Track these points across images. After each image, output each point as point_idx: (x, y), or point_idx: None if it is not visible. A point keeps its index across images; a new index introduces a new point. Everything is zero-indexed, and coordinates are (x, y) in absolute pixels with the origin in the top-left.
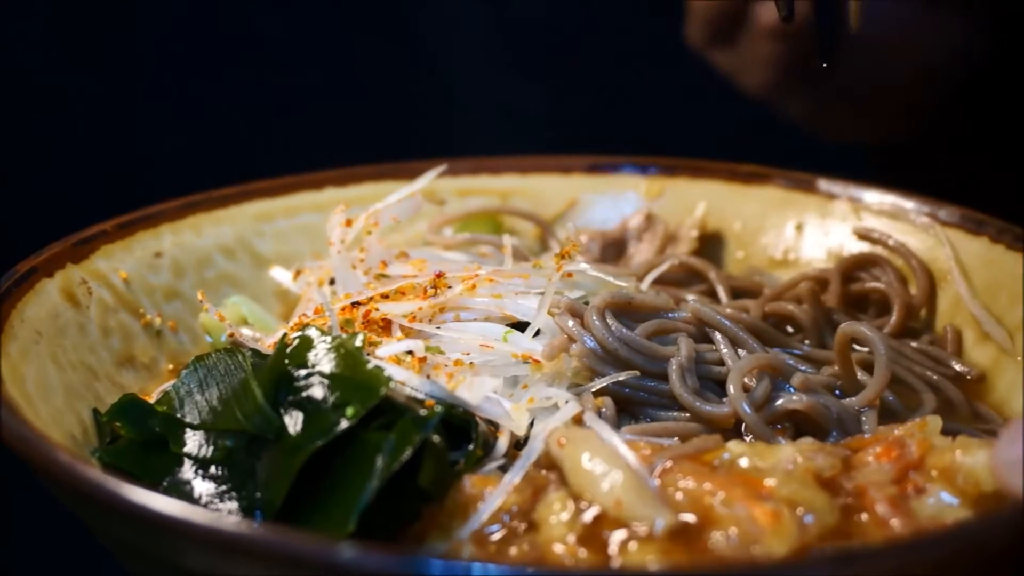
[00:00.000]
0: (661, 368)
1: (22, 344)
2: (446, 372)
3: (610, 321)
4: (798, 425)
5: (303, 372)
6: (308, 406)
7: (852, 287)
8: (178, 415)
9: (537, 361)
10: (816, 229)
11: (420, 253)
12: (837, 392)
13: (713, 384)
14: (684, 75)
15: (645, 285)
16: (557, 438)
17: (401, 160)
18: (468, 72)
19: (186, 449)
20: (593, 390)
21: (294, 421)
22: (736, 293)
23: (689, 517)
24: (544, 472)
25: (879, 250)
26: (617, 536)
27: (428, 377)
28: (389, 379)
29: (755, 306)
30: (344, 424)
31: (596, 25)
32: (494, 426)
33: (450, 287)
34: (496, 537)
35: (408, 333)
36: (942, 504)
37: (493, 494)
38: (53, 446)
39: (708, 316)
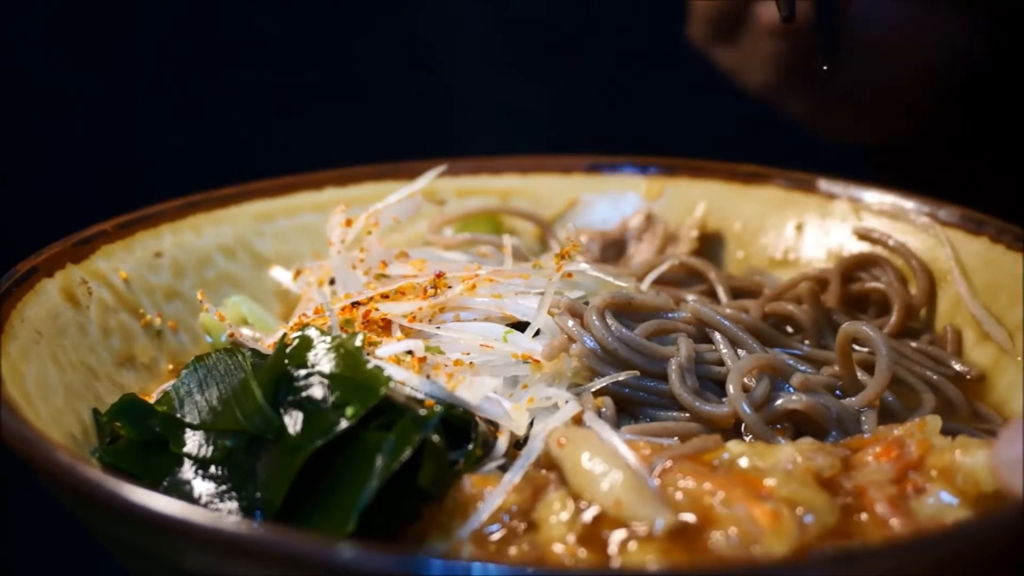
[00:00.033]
0: (661, 368)
1: (22, 344)
2: (446, 372)
3: (610, 321)
4: (798, 425)
5: (303, 372)
6: (308, 406)
7: (852, 287)
8: (178, 415)
9: (537, 361)
10: (816, 229)
11: (420, 253)
12: (837, 392)
13: (713, 384)
14: (684, 75)
15: (645, 285)
16: (557, 438)
17: (401, 160)
18: (468, 72)
19: (186, 449)
20: (593, 390)
21: (294, 421)
22: (736, 293)
23: (689, 517)
24: (544, 472)
25: (879, 250)
26: (617, 536)
27: (428, 377)
28: (389, 379)
29: (755, 306)
30: (344, 424)
31: (596, 25)
32: (494, 426)
33: (450, 287)
34: (496, 537)
35: (408, 333)
36: (942, 504)
37: (493, 494)
38: (53, 446)
39: (708, 316)
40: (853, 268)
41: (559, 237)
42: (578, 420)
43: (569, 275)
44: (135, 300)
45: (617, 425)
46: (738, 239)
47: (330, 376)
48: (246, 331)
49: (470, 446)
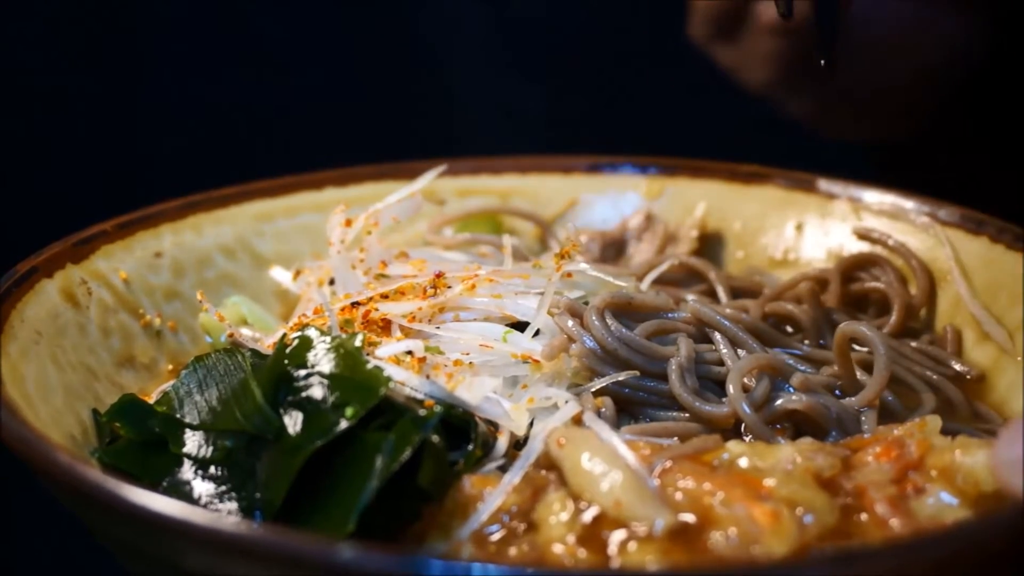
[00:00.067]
0: (661, 368)
1: (22, 344)
2: (446, 372)
3: (610, 321)
4: (798, 425)
5: (303, 372)
6: (308, 406)
7: (852, 287)
8: (178, 415)
9: (537, 361)
10: (816, 229)
11: (420, 253)
12: (837, 392)
13: (713, 384)
14: (684, 75)
15: (645, 285)
16: (557, 438)
17: (401, 160)
18: (468, 72)
19: (186, 449)
20: (593, 390)
21: (294, 421)
22: (736, 293)
23: (689, 517)
24: (544, 472)
25: (879, 250)
26: (617, 536)
27: (428, 377)
28: (389, 379)
29: (755, 306)
30: (344, 424)
31: (596, 25)
32: (494, 426)
33: (450, 287)
34: (496, 537)
35: (408, 333)
36: (942, 504)
37: (493, 494)
38: (53, 447)
39: (708, 316)
40: (853, 268)
41: (559, 237)
42: (578, 420)
43: (569, 275)
44: (135, 300)
45: (617, 425)
46: (738, 239)
47: (330, 376)
48: (246, 331)
49: (470, 446)
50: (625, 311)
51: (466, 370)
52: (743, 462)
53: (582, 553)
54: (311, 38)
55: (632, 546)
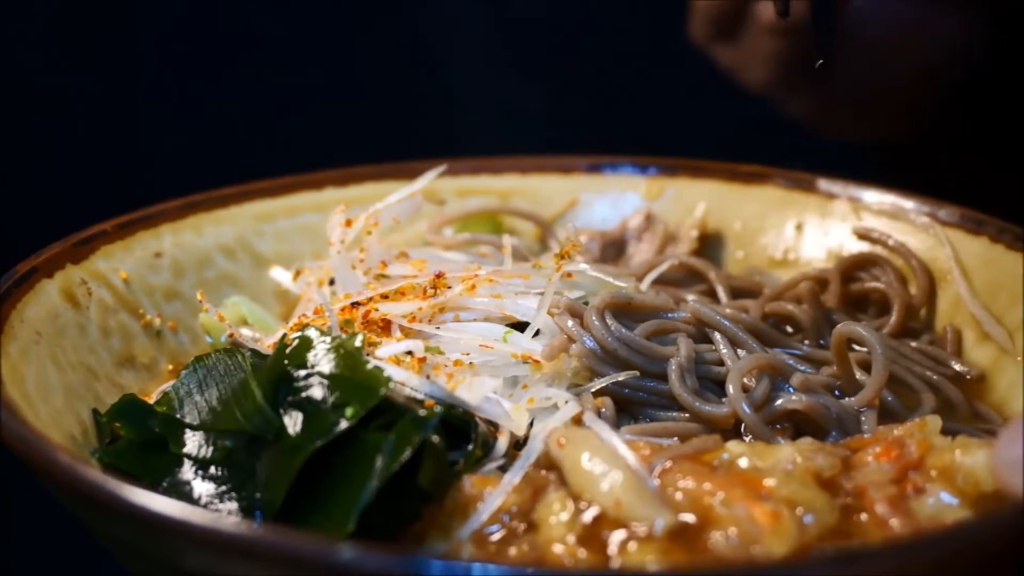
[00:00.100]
0: (661, 368)
1: (22, 344)
2: (446, 372)
3: (609, 321)
4: (798, 425)
5: (303, 372)
6: (308, 406)
7: (852, 287)
8: (178, 415)
9: (537, 361)
10: (816, 229)
11: (420, 253)
12: (836, 392)
13: (713, 384)
14: (684, 75)
15: (645, 285)
16: (557, 438)
17: (401, 160)
18: (468, 72)
19: (186, 449)
20: (593, 390)
21: (294, 421)
22: (736, 293)
23: (689, 517)
24: (544, 472)
25: (879, 250)
26: (617, 536)
27: (428, 377)
28: (389, 379)
29: (755, 306)
30: (344, 424)
31: (596, 25)
32: (494, 426)
33: (450, 287)
34: (496, 537)
35: (408, 333)
36: (942, 504)
37: (493, 494)
38: (53, 447)
39: (708, 316)
40: (853, 268)
41: (559, 237)
42: (578, 420)
43: (569, 275)
44: (135, 300)
45: (617, 425)
46: (738, 239)
47: (330, 376)
48: (246, 331)
49: (470, 446)
50: (625, 311)
51: (466, 370)
52: (743, 462)
53: (582, 553)
54: (311, 38)
55: (632, 546)
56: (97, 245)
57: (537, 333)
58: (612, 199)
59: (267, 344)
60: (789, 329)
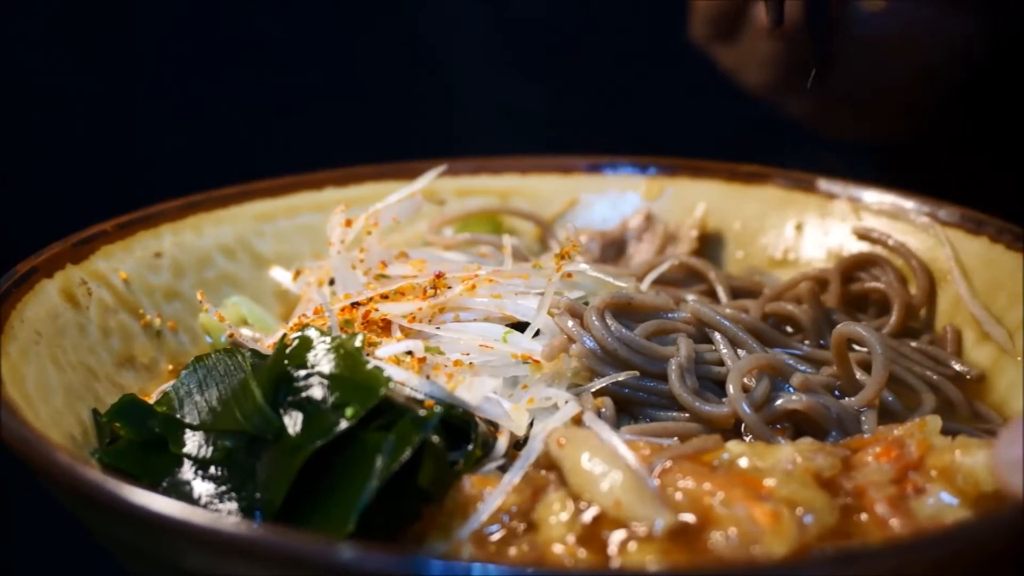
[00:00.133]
0: (661, 368)
1: (22, 344)
2: (446, 372)
3: (609, 321)
4: (798, 425)
5: (303, 372)
6: (308, 406)
7: (852, 287)
8: (178, 416)
9: (537, 361)
10: (816, 229)
11: (420, 253)
12: (836, 392)
13: (713, 384)
14: (684, 75)
15: (645, 285)
16: (557, 438)
17: (401, 160)
18: (468, 72)
19: (186, 450)
20: (593, 390)
21: (294, 421)
22: (736, 293)
23: (689, 517)
24: (544, 472)
25: (879, 250)
26: (616, 536)
27: (428, 377)
28: (389, 379)
29: (755, 306)
30: (344, 424)
31: (596, 25)
32: (494, 426)
33: (450, 287)
34: (496, 537)
35: (408, 333)
36: (942, 504)
37: (493, 494)
38: (53, 447)
39: (708, 316)
40: (853, 268)
41: (559, 237)
42: (578, 420)
43: (569, 275)
44: (135, 300)
45: (617, 425)
46: (738, 239)
47: (330, 376)
48: (246, 331)
49: (470, 446)
50: (625, 311)
51: (466, 370)
52: (743, 462)
53: (582, 553)
54: (311, 38)
55: (632, 546)
56: (97, 245)
57: (537, 333)
58: (612, 199)
59: (267, 344)
60: (789, 329)
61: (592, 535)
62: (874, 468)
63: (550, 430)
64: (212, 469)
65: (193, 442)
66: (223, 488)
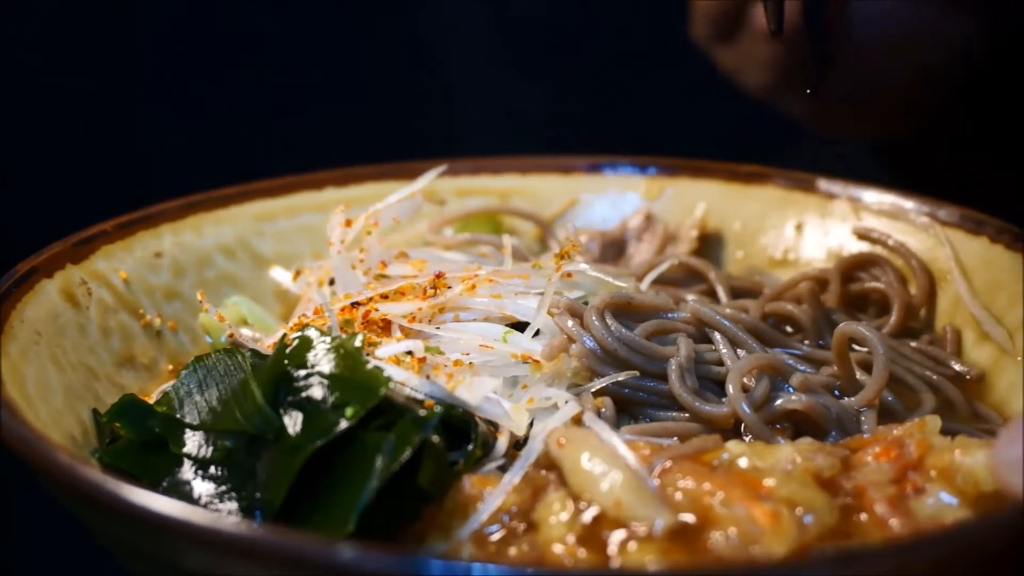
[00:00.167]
0: (660, 368)
1: (22, 344)
2: (446, 372)
3: (609, 321)
4: (797, 425)
5: (303, 372)
6: (308, 406)
7: (852, 287)
8: (178, 415)
9: (537, 361)
10: (816, 229)
11: (420, 253)
12: (836, 392)
13: (712, 384)
14: (684, 75)
15: (645, 285)
16: (556, 438)
17: (401, 160)
18: (468, 72)
19: (186, 449)
20: (593, 390)
21: (294, 421)
22: (736, 293)
23: (688, 517)
24: (544, 472)
25: (879, 250)
26: (616, 536)
27: (428, 377)
28: (389, 379)
29: (755, 306)
30: (344, 424)
31: (596, 25)
32: (494, 426)
33: (450, 287)
34: (496, 537)
35: (408, 333)
36: (941, 504)
37: (493, 494)
38: (53, 447)
39: (707, 316)
40: (853, 268)
41: (559, 237)
42: (578, 420)
43: (569, 275)
44: (135, 300)
45: (617, 425)
46: (738, 239)
47: (330, 376)
48: (246, 331)
49: (470, 446)
50: (625, 311)
51: (466, 370)
52: (743, 462)
53: (582, 553)
54: (311, 38)
55: (632, 546)
56: (97, 245)
57: (537, 333)
58: (612, 199)
59: (267, 344)
60: (789, 329)
61: (592, 535)
62: (874, 468)
63: (550, 430)
64: (212, 469)
65: (193, 442)
66: (223, 488)
